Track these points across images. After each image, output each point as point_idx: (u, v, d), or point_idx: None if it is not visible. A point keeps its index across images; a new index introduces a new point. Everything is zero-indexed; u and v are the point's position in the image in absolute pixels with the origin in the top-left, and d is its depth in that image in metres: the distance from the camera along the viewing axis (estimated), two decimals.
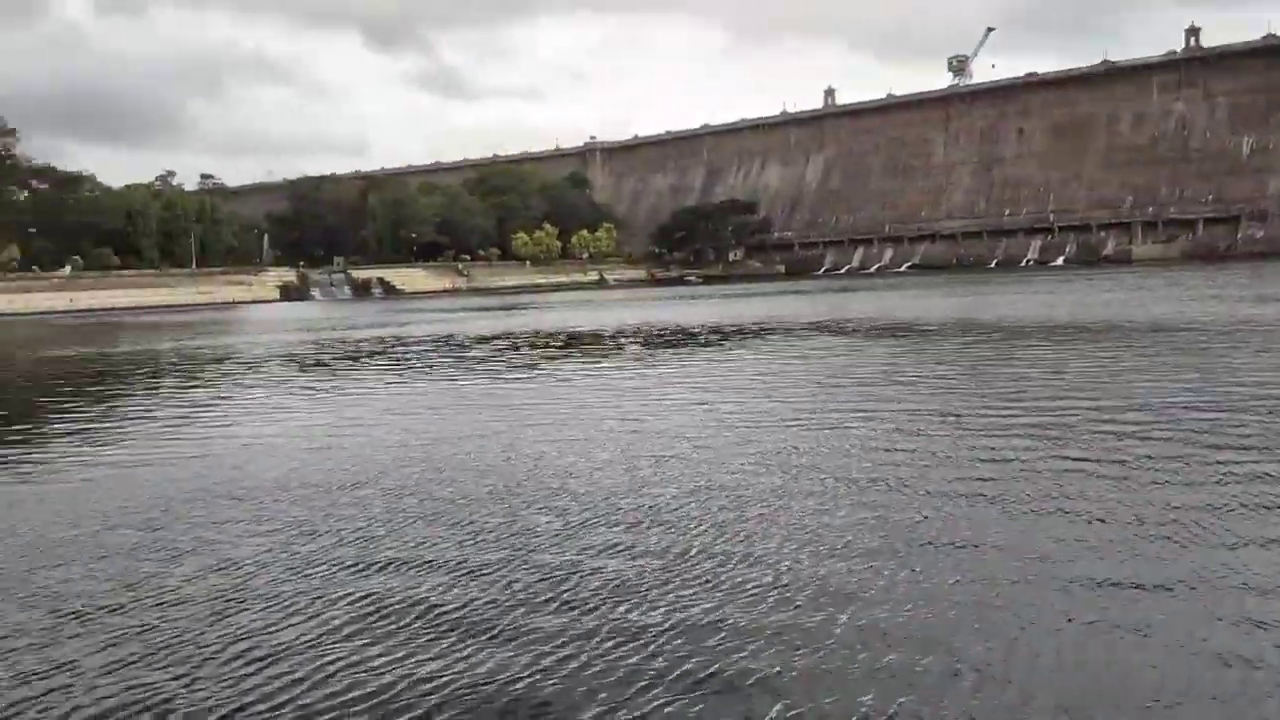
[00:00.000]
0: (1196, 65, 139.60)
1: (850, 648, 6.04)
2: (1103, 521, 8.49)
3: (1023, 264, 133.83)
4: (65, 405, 21.44)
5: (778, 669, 5.79)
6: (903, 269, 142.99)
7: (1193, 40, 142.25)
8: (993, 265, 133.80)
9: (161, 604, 7.35)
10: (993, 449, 11.73)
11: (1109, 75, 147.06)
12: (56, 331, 57.59)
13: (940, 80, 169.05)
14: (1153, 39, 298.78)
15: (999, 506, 9.15)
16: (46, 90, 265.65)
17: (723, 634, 6.32)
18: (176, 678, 6.00)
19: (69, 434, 16.66)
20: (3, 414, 21.48)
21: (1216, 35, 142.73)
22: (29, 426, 18.80)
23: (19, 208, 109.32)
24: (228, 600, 7.39)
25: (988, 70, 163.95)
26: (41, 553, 8.93)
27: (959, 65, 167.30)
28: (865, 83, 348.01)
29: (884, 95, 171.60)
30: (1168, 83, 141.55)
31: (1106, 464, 10.66)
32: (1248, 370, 18.02)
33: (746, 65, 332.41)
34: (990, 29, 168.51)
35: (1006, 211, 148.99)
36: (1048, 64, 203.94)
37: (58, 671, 6.16)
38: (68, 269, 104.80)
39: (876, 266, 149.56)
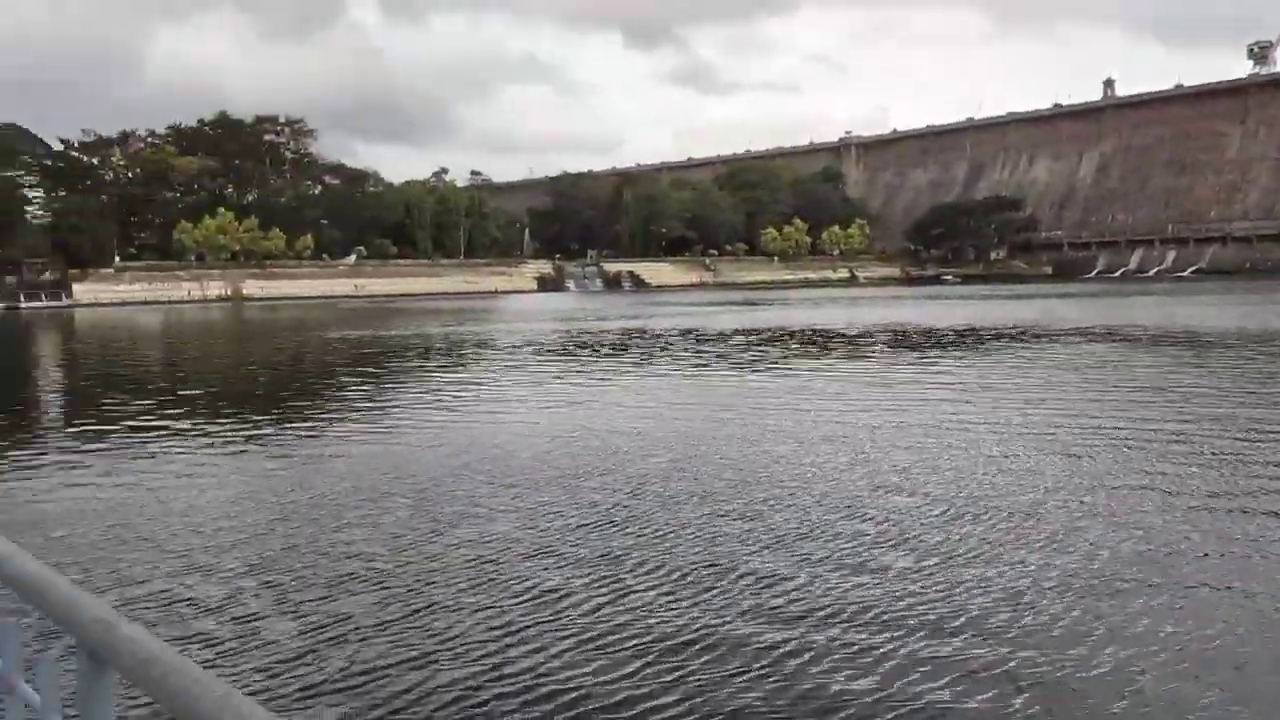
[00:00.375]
0: None
1: (1111, 686, 5.67)
2: None
3: None
4: (348, 382, 23.54)
5: (1032, 707, 5.52)
6: (1186, 273, 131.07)
7: None
8: None
9: (427, 570, 7.96)
10: (1274, 474, 10.63)
11: None
12: (344, 314, 63.20)
13: (1237, 69, 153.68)
14: None
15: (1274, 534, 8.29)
16: (337, 93, 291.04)
17: (964, 667, 6.04)
18: (447, 640, 6.48)
19: (350, 409, 18.30)
20: (296, 388, 23.86)
21: None
22: (318, 401, 20.79)
23: (314, 201, 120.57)
24: (483, 571, 7.89)
25: None
26: (327, 515, 9.87)
27: (1261, 52, 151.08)
28: (1149, 72, 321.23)
29: (1171, 85, 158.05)
30: None
31: None
32: None
33: (1014, 54, 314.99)
34: None
35: None
36: None
37: (336, 624, 6.81)
38: (353, 258, 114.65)
39: (1156, 270, 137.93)
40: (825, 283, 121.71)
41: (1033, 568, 7.70)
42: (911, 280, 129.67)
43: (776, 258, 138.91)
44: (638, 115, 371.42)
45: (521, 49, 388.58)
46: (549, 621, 6.76)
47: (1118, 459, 11.76)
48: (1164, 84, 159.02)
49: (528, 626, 6.67)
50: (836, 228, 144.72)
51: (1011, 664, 5.91)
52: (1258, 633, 6.27)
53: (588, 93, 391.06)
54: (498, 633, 6.58)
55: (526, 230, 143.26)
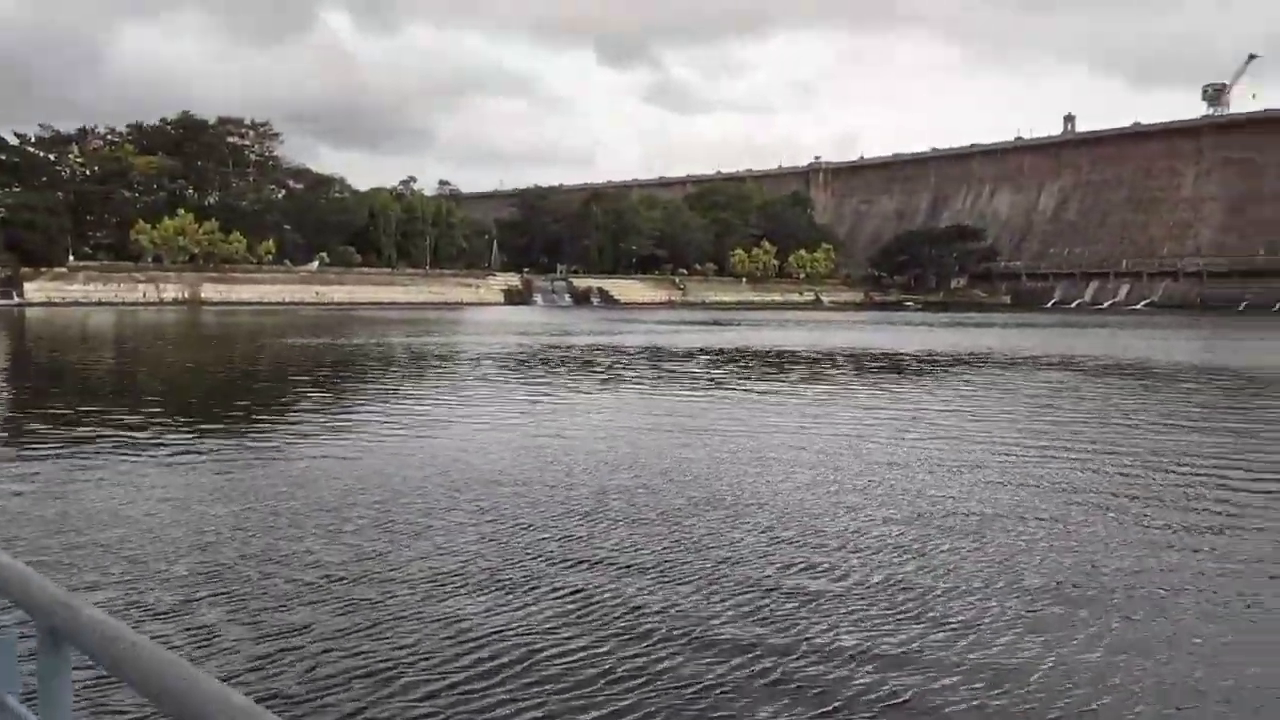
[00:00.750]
0: None
1: (1052, 690, 5.80)
2: None
3: (1276, 309, 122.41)
4: (307, 391, 23.32)
5: (975, 703, 5.63)
6: (1139, 306, 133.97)
7: None
8: (1241, 308, 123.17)
9: (388, 581, 7.91)
10: (1218, 501, 10.85)
11: None
12: (304, 321, 62.61)
13: (1193, 109, 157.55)
14: None
15: (1214, 561, 8.48)
16: (305, 97, 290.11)
17: (917, 664, 6.22)
18: (399, 649, 6.45)
19: (310, 418, 18.13)
20: (254, 396, 23.61)
21: None
22: (276, 409, 20.57)
23: (277, 205, 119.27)
24: (445, 583, 7.86)
25: (1247, 100, 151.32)
26: (286, 524, 9.77)
27: (1215, 94, 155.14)
28: (1108, 109, 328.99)
29: (1129, 123, 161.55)
30: None
31: None
32: None
33: (980, 86, 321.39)
34: (1253, 56, 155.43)
35: (1260, 251, 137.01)
36: None
37: (294, 633, 6.75)
38: (315, 264, 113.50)
39: (1110, 302, 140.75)
40: (791, 305, 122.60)
41: (976, 580, 7.85)
42: (875, 305, 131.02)
43: (745, 279, 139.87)
44: (610, 131, 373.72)
45: (494, 61, 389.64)
46: (512, 634, 6.75)
47: (1063, 483, 11.94)
48: (1123, 121, 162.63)
49: (491, 639, 6.66)
50: (803, 251, 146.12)
51: (964, 669, 6.00)
52: (1207, 658, 6.40)
53: (561, 107, 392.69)
54: (460, 645, 6.56)
55: (495, 242, 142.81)
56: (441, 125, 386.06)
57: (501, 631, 6.78)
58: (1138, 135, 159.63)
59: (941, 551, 8.90)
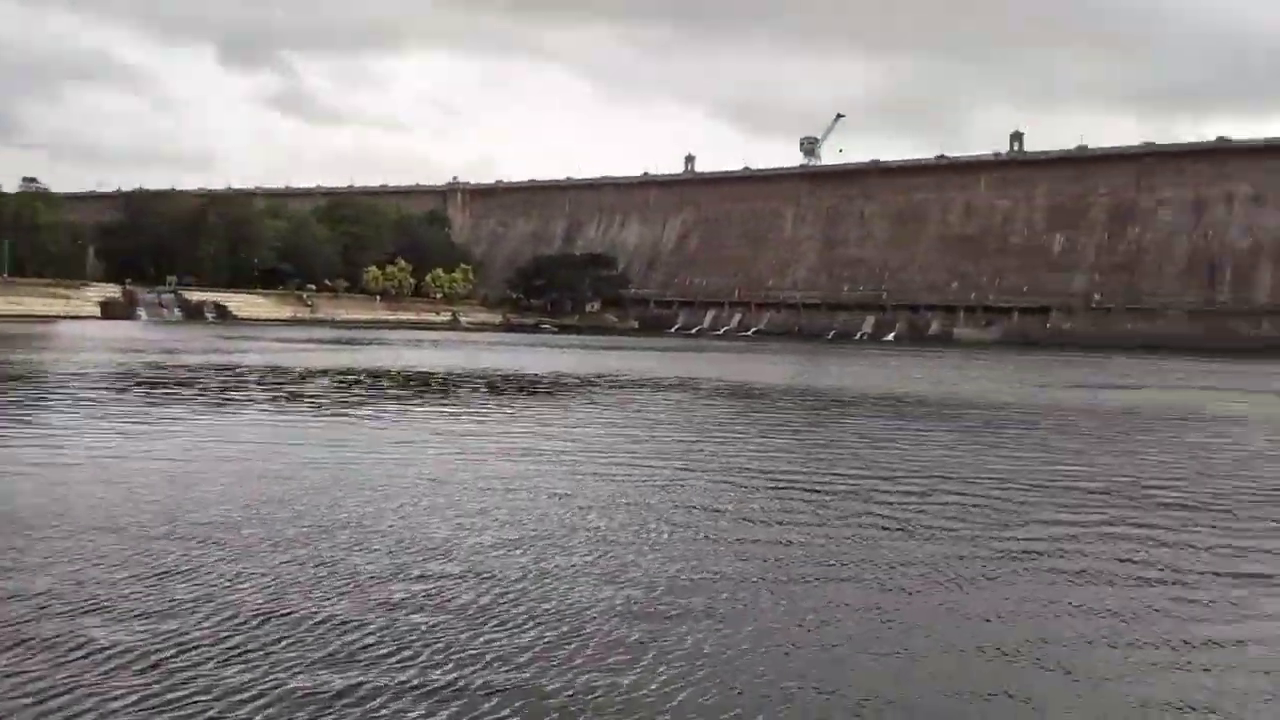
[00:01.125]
0: (1018, 166, 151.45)
1: (661, 691, 6.26)
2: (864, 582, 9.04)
3: (857, 337, 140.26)
4: None
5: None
6: (749, 333, 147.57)
7: (1016, 144, 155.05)
8: (830, 337, 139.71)
9: None
10: (805, 509, 12.24)
11: (943, 168, 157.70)
12: None
13: (795, 158, 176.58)
14: (989, 135, 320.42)
15: (800, 565, 9.58)
16: None
17: (532, 686, 6.44)
18: None
19: None
20: None
21: (1038, 139, 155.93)
22: None
23: None
24: (17, 633, 6.99)
25: (836, 154, 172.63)
26: None
27: (809, 146, 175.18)
28: (724, 152, 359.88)
29: (741, 167, 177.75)
30: (994, 180, 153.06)
31: (912, 528, 11.33)
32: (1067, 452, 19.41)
33: (611, 121, 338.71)
34: (840, 115, 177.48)
35: (845, 287, 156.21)
36: (892, 152, 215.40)
37: None
38: None
39: (724, 329, 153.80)
40: (428, 325, 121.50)
41: (593, 593, 8.27)
42: (512, 327, 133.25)
43: (379, 297, 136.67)
44: (235, 137, 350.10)
45: (96, 50, 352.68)
46: (95, 686, 6.14)
47: (678, 497, 12.87)
48: (736, 164, 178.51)
49: (72, 689, 6.02)
50: (441, 271, 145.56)
51: (578, 687, 6.31)
52: (784, 655, 7.19)
53: (178, 107, 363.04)
54: (33, 697, 5.87)
55: (91, 249, 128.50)
56: (28, 115, 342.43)
57: (82, 684, 6.14)
58: (748, 179, 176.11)
59: (561, 570, 9.25)
